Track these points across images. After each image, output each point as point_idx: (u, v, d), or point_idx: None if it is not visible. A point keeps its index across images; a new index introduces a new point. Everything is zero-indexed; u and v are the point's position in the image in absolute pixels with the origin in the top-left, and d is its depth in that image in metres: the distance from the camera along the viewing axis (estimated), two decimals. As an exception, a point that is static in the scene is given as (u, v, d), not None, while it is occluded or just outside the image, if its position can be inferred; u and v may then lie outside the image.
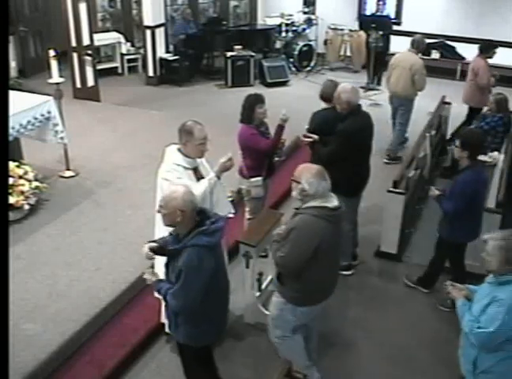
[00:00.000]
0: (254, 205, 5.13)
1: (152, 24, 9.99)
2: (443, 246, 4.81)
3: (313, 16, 11.61)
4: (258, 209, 5.11)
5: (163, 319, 4.08)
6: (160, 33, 10.21)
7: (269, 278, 4.63)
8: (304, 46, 11.17)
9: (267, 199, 5.37)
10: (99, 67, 9.99)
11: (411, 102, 7.43)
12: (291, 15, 11.45)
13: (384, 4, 10.33)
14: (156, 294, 3.54)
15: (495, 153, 6.17)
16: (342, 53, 11.50)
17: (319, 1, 11.87)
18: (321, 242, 3.43)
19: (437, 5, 10.94)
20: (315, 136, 4.95)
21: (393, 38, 10.13)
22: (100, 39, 10.21)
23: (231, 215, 4.18)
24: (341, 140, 4.74)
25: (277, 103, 6.53)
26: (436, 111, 7.37)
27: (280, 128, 4.87)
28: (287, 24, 11.30)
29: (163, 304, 3.80)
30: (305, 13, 11.71)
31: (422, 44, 7.43)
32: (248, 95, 4.92)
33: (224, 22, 11.16)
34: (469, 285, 3.40)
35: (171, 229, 3.32)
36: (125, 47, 10.98)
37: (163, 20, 10.29)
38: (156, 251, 3.42)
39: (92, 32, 8.90)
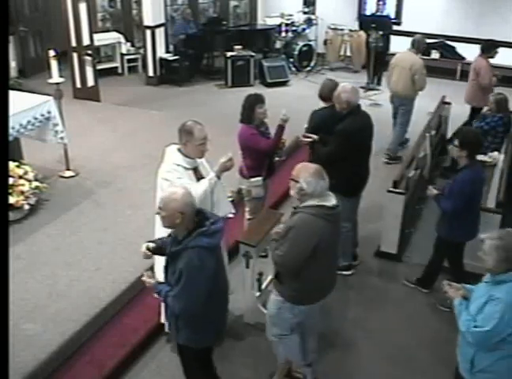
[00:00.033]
0: (254, 205, 5.13)
1: (152, 24, 9.99)
2: (442, 246, 4.81)
3: (313, 16, 11.60)
4: (258, 209, 5.11)
5: (163, 319, 4.08)
6: (160, 33, 10.21)
7: (269, 278, 4.63)
8: (304, 46, 11.17)
9: (267, 199, 5.37)
10: (99, 67, 9.99)
11: (411, 101, 7.44)
12: (291, 15, 11.45)
13: (384, 4, 10.33)
14: (156, 296, 3.53)
15: (495, 153, 6.18)
16: (342, 53, 11.50)
17: (319, 1, 11.87)
18: (320, 240, 3.43)
19: (437, 5, 10.94)
20: (315, 137, 4.96)
21: (393, 38, 10.13)
22: (100, 39, 10.21)
23: (231, 215, 4.19)
24: (341, 140, 4.74)
25: (277, 103, 6.53)
26: (436, 111, 7.37)
27: (281, 128, 4.87)
28: (287, 24, 11.29)
29: (163, 304, 3.80)
30: (305, 13, 11.71)
31: (422, 44, 7.44)
32: (248, 95, 4.92)
33: (224, 22, 11.16)
34: (466, 284, 3.40)
35: (170, 229, 3.32)
36: (125, 47, 10.98)
37: (163, 20, 10.29)
38: (154, 251, 3.42)
39: (92, 32, 8.89)
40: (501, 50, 7.57)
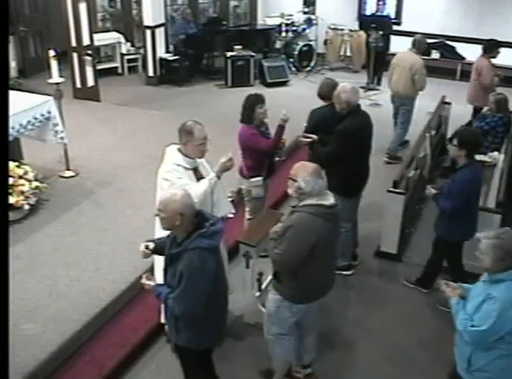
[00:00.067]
0: (254, 205, 5.13)
1: (152, 24, 9.98)
2: (441, 245, 4.82)
3: (313, 16, 11.60)
4: (258, 209, 5.11)
5: (163, 319, 4.08)
6: (160, 33, 10.21)
7: (269, 278, 4.62)
8: (304, 46, 11.17)
9: (267, 199, 5.37)
10: (99, 67, 9.99)
11: (412, 101, 7.45)
12: (291, 15, 11.44)
13: (384, 4, 10.32)
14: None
15: (495, 153, 6.18)
16: (342, 53, 11.50)
17: (319, 1, 11.87)
18: (318, 239, 3.44)
19: (437, 5, 10.94)
20: (314, 137, 4.97)
21: (393, 38, 10.13)
22: (100, 39, 10.21)
23: (231, 215, 4.19)
24: (340, 140, 4.74)
25: (277, 103, 6.53)
26: (436, 111, 7.37)
27: (281, 128, 4.87)
28: (287, 24, 11.29)
29: (162, 305, 3.79)
30: (305, 13, 11.71)
31: (423, 44, 7.44)
32: (248, 95, 4.92)
33: (224, 22, 11.16)
34: (464, 284, 3.40)
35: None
36: (125, 47, 10.98)
37: (163, 20, 10.29)
38: (153, 250, 3.42)
39: (92, 32, 8.89)
40: (501, 50, 7.57)
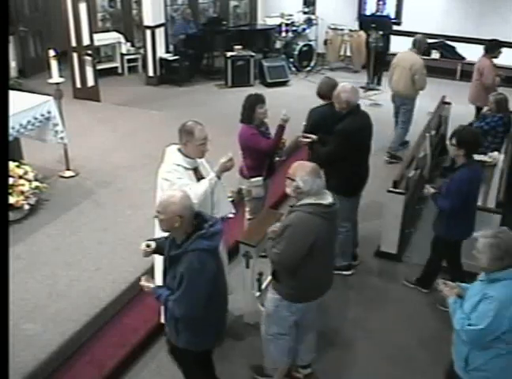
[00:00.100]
0: (255, 205, 5.13)
1: (152, 24, 9.98)
2: (439, 245, 4.83)
3: (313, 16, 11.60)
4: (258, 209, 5.11)
5: (163, 319, 4.08)
6: (160, 33, 10.21)
7: (269, 278, 4.62)
8: (304, 46, 11.17)
9: (267, 199, 5.37)
10: (99, 67, 9.99)
11: (412, 101, 7.46)
12: (291, 15, 11.44)
13: (384, 4, 10.32)
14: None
15: (495, 153, 6.17)
16: (342, 53, 11.50)
17: (319, 1, 11.87)
18: (317, 238, 3.45)
19: (437, 5, 10.94)
20: (314, 137, 4.97)
21: (393, 38, 10.13)
22: (100, 39, 10.21)
23: (231, 216, 4.19)
24: (340, 139, 4.74)
25: (277, 103, 6.53)
26: (436, 111, 7.37)
27: (281, 128, 4.87)
28: (287, 24, 11.29)
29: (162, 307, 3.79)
30: (305, 13, 11.71)
31: (423, 44, 7.45)
32: (249, 95, 4.92)
33: (224, 22, 11.16)
34: (462, 283, 3.41)
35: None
36: (125, 47, 10.97)
37: (163, 20, 10.29)
38: (154, 249, 3.41)
39: (92, 32, 8.89)
40: (503, 50, 7.56)
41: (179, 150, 3.88)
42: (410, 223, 5.85)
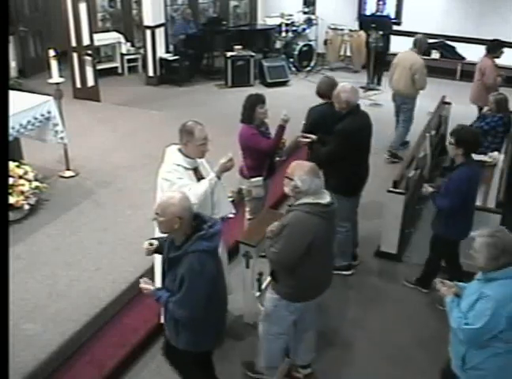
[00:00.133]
0: (255, 205, 5.13)
1: (152, 24, 9.98)
2: (438, 244, 4.83)
3: (313, 16, 11.61)
4: (258, 209, 5.11)
5: (163, 320, 4.08)
6: (160, 33, 10.21)
7: (269, 278, 4.63)
8: (304, 46, 11.17)
9: (267, 199, 5.37)
10: (99, 67, 9.99)
11: (413, 100, 7.48)
12: (291, 15, 11.44)
13: (384, 4, 10.32)
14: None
15: (495, 153, 6.18)
16: (342, 53, 11.50)
17: (319, 1, 11.87)
18: (315, 238, 3.45)
19: (437, 5, 10.94)
20: (313, 137, 4.98)
21: (393, 38, 10.13)
22: (100, 39, 10.21)
23: (231, 216, 4.19)
24: (340, 139, 4.74)
25: (277, 103, 6.54)
26: (436, 111, 7.38)
27: (281, 128, 4.87)
28: (287, 24, 11.29)
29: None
30: (305, 13, 11.71)
31: (424, 44, 7.46)
32: (249, 95, 4.92)
33: (224, 22, 11.16)
34: (459, 282, 3.41)
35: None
36: (125, 47, 10.98)
37: (163, 20, 10.29)
38: (156, 249, 3.40)
39: (92, 32, 8.89)
40: (504, 50, 7.56)
41: (179, 150, 3.88)
42: (410, 223, 5.85)
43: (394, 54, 7.87)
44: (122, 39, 10.92)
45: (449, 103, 7.72)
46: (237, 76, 10.27)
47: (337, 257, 5.25)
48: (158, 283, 3.57)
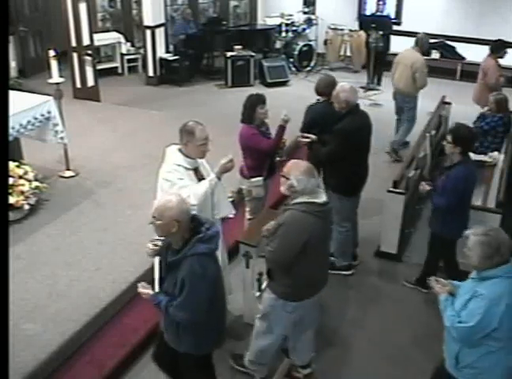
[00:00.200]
0: (255, 205, 5.13)
1: (152, 24, 9.99)
2: (436, 243, 4.83)
3: (313, 16, 11.61)
4: (259, 209, 5.11)
5: (161, 325, 4.06)
6: (160, 33, 10.22)
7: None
8: (304, 46, 11.17)
9: (267, 199, 5.36)
10: (99, 67, 9.99)
11: (414, 98, 7.49)
12: (291, 15, 11.44)
13: (384, 4, 10.32)
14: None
15: (495, 153, 6.18)
16: (342, 53, 11.50)
17: (319, 1, 11.87)
18: (311, 237, 3.47)
19: (437, 5, 10.94)
20: (313, 137, 4.99)
21: (393, 38, 10.13)
22: (100, 39, 10.21)
23: (231, 216, 4.19)
24: (339, 139, 4.75)
25: (277, 103, 6.52)
26: (436, 111, 7.38)
27: (282, 128, 4.87)
28: (287, 24, 11.30)
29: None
30: (305, 13, 11.71)
31: (426, 43, 7.48)
32: (250, 95, 4.92)
33: (224, 22, 11.16)
34: (454, 281, 3.41)
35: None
36: (125, 47, 10.98)
37: (163, 20, 10.29)
38: (159, 251, 3.38)
39: (92, 32, 8.90)
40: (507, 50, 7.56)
41: (180, 150, 3.88)
42: (410, 223, 5.85)
43: (394, 54, 7.88)
44: (122, 39, 10.92)
45: (449, 103, 7.72)
46: (237, 76, 10.28)
47: (337, 257, 5.27)
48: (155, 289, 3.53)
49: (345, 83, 4.93)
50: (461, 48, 10.83)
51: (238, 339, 4.49)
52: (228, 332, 4.01)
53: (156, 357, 3.70)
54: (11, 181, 5.38)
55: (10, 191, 5.33)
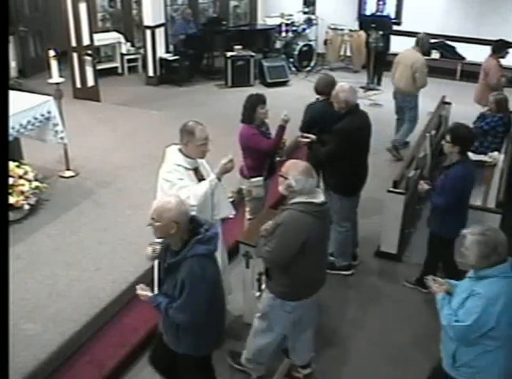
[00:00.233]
0: (255, 205, 5.13)
1: (152, 24, 9.99)
2: (435, 242, 4.83)
3: (313, 16, 11.61)
4: (259, 209, 5.11)
5: (160, 326, 4.05)
6: (160, 33, 10.22)
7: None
8: (304, 46, 11.17)
9: (267, 199, 5.37)
10: (99, 67, 10.00)
11: (415, 98, 7.49)
12: (291, 15, 11.45)
13: (384, 4, 10.33)
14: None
15: (495, 153, 6.18)
16: (342, 53, 11.50)
17: (319, 1, 11.87)
18: (308, 237, 3.47)
19: (437, 5, 10.94)
20: (313, 137, 4.99)
21: (393, 38, 10.14)
22: (100, 39, 10.21)
23: (231, 216, 4.19)
24: (339, 139, 4.75)
25: (277, 103, 6.53)
26: (436, 111, 7.38)
27: (282, 128, 4.87)
28: (287, 24, 11.30)
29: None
30: (305, 13, 11.71)
31: (426, 43, 7.48)
32: (250, 95, 4.92)
33: (224, 22, 11.16)
34: (451, 280, 3.41)
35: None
36: (125, 47, 10.98)
37: (163, 20, 10.29)
38: (159, 254, 3.38)
39: (92, 32, 8.90)
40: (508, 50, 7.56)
41: (180, 150, 3.88)
42: (410, 223, 5.85)
43: (394, 54, 7.88)
44: (122, 39, 10.92)
45: (449, 103, 7.72)
46: (237, 76, 10.28)
47: (337, 256, 5.27)
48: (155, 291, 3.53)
49: (345, 83, 4.94)
50: (461, 48, 10.83)
51: (238, 339, 4.48)
52: (228, 332, 4.02)
53: (152, 360, 3.69)
54: (11, 181, 5.38)
55: (10, 191, 5.33)
